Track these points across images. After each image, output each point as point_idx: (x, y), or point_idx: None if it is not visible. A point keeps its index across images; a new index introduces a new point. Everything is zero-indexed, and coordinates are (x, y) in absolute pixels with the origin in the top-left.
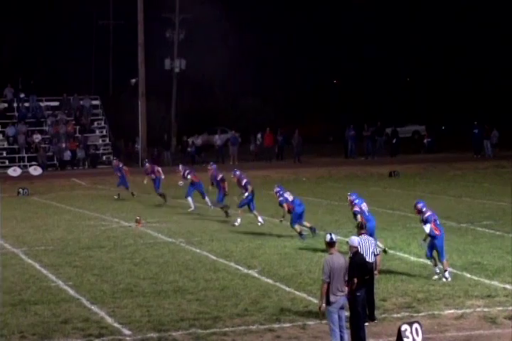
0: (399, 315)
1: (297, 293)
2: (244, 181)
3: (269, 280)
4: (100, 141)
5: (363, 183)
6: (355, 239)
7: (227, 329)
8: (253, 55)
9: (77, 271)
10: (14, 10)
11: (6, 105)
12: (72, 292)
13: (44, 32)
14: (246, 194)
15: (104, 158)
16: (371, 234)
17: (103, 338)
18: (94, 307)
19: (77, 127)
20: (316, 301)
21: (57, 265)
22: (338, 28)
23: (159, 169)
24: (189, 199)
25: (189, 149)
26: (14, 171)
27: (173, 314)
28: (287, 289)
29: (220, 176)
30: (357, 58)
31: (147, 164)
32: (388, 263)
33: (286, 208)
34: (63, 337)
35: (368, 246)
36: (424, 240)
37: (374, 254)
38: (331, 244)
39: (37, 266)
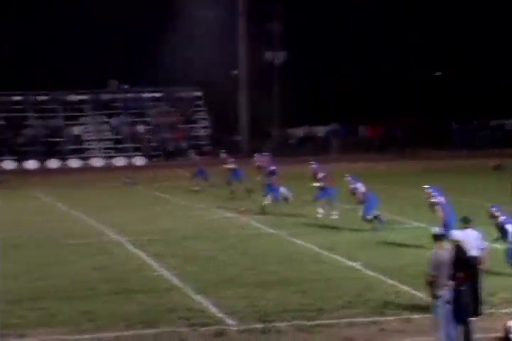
0: (507, 310)
1: (401, 286)
2: (320, 175)
3: (373, 273)
4: (202, 132)
5: (466, 176)
6: (458, 233)
7: (331, 321)
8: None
9: (181, 261)
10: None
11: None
12: (176, 281)
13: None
14: (317, 184)
15: (206, 149)
16: (451, 228)
17: (208, 328)
18: (198, 297)
19: (180, 118)
20: (420, 295)
21: (162, 254)
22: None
23: (233, 160)
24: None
25: (291, 141)
26: (119, 161)
27: (276, 305)
28: (391, 282)
29: (272, 167)
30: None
31: (223, 154)
32: (495, 257)
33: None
34: (168, 325)
35: (472, 240)
36: (497, 239)
37: (479, 248)
38: (437, 237)
39: (142, 255)
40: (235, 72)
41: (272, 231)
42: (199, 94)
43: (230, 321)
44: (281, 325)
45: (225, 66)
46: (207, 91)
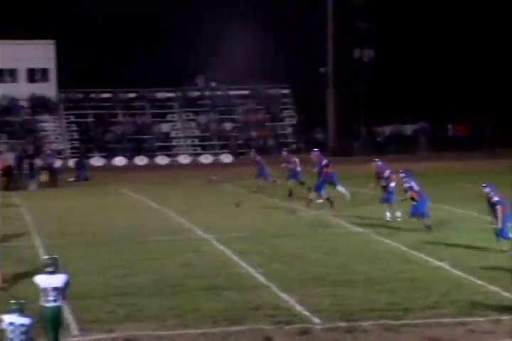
0: None
1: (490, 286)
2: (388, 172)
3: (460, 273)
4: (289, 130)
5: None
6: None
7: (417, 321)
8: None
9: (267, 259)
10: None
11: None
12: (262, 279)
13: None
14: (392, 185)
15: (293, 146)
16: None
17: (293, 326)
18: (284, 295)
19: (267, 116)
20: (510, 296)
21: (248, 252)
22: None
23: (296, 160)
24: (339, 188)
25: (378, 139)
26: (206, 159)
27: (362, 304)
28: (479, 282)
29: (324, 161)
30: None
31: (285, 153)
32: None
33: (410, 196)
34: (254, 323)
35: None
36: None
37: None
38: None
39: (228, 252)
40: (323, 69)
41: (358, 229)
42: (287, 91)
43: (315, 319)
44: (366, 324)
45: (313, 63)
46: (294, 89)
